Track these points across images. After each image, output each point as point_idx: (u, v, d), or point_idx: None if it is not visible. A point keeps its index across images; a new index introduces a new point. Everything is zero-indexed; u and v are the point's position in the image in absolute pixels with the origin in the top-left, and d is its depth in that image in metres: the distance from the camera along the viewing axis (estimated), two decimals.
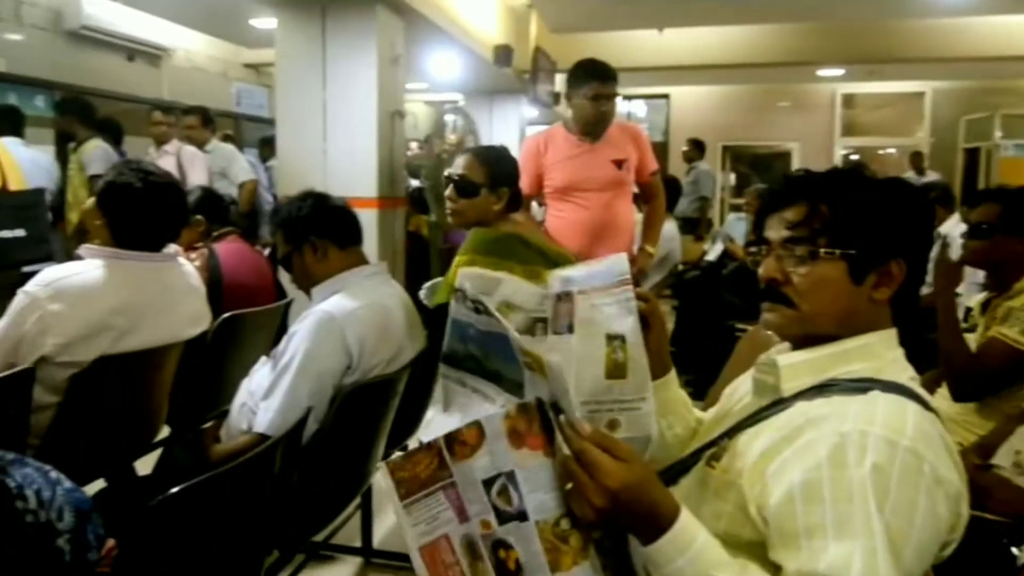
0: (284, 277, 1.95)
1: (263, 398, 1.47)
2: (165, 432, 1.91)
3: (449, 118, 4.96)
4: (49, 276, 1.48)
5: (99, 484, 1.62)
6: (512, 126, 6.97)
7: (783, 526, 0.70)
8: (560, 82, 7.62)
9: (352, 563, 2.02)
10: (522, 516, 0.68)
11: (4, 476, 0.67)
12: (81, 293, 1.49)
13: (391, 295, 1.69)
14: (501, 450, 0.68)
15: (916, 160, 7.59)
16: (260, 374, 1.58)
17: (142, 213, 1.60)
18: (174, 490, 0.88)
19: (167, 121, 4.11)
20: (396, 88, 3.96)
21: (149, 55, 6.30)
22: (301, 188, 1.73)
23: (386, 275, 1.73)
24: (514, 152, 6.55)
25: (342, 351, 1.49)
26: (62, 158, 4.02)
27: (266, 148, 5.46)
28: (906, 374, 0.82)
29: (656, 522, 0.68)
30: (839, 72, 8.50)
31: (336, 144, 3.75)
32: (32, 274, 2.55)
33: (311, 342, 1.46)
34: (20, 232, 2.78)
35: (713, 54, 7.15)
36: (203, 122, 4.26)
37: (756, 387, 0.88)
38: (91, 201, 1.65)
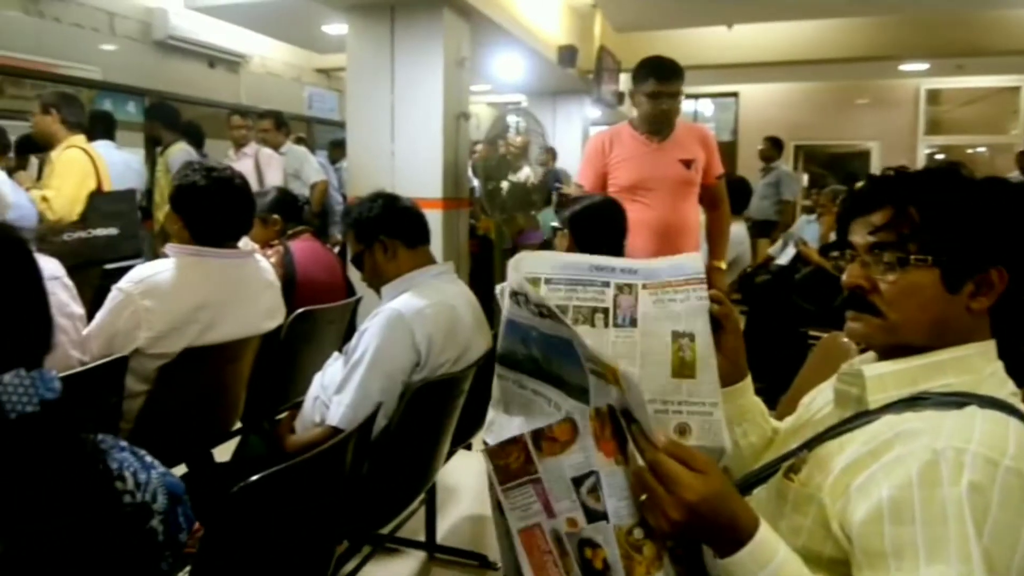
0: (354, 275, 2.01)
1: (335, 392, 1.52)
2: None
3: (511, 119, 4.97)
4: (141, 274, 1.58)
5: (180, 469, 1.71)
6: (575, 127, 6.94)
7: (869, 545, 0.67)
8: (625, 81, 7.53)
9: (416, 557, 2.06)
10: (607, 516, 0.67)
11: (106, 459, 0.71)
12: (169, 289, 1.58)
13: (458, 294, 1.71)
14: (589, 448, 0.67)
15: (1023, 159, 7.00)
16: (332, 369, 1.63)
17: (212, 207, 1.68)
18: (255, 477, 0.92)
19: (245, 124, 4.30)
20: (461, 90, 4.01)
21: (228, 62, 6.63)
22: (371, 189, 1.77)
23: (453, 274, 1.75)
24: (578, 152, 6.50)
25: (411, 348, 1.52)
26: (151, 160, 4.27)
27: (335, 150, 5.64)
28: (1006, 388, 0.76)
29: (735, 535, 0.66)
30: (923, 67, 8.04)
31: (403, 146, 3.83)
32: (114, 271, 2.76)
33: (381, 339, 1.50)
34: (113, 230, 2.98)
35: (785, 50, 6.90)
36: (276, 126, 4.43)
37: (838, 398, 0.84)
38: (168, 207, 1.74)
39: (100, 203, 2.99)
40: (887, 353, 0.81)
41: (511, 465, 0.70)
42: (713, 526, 0.65)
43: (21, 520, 0.59)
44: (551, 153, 5.99)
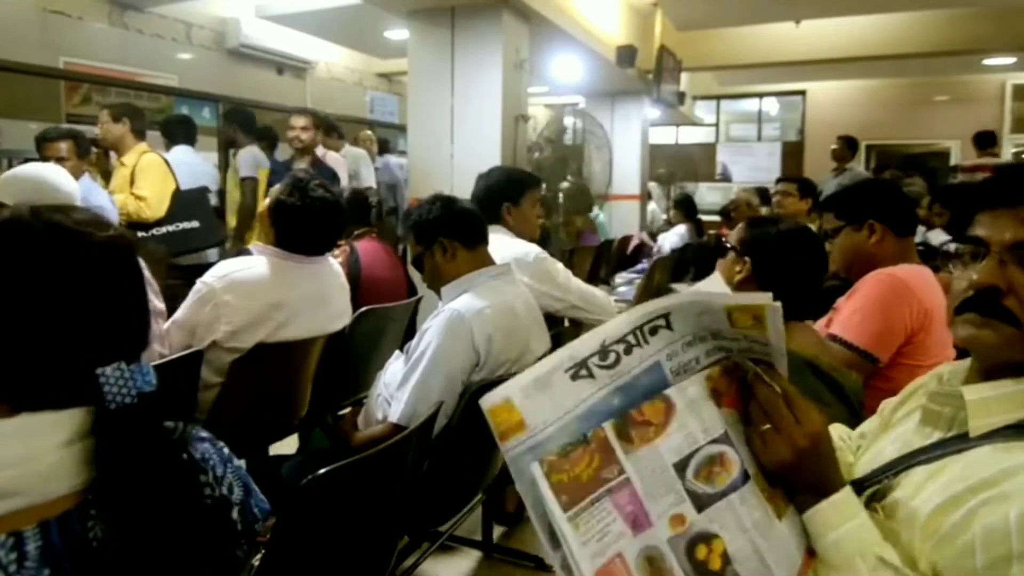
0: (417, 275, 2.04)
1: (396, 389, 1.55)
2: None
3: (568, 120, 4.94)
4: (224, 269, 1.66)
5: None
6: (634, 127, 6.85)
7: None
8: (685, 81, 7.37)
9: (472, 556, 2.07)
10: (739, 481, 0.62)
11: (191, 451, 0.73)
12: (249, 286, 1.66)
13: (516, 296, 1.71)
14: (706, 415, 0.62)
15: None
16: (394, 367, 1.66)
17: (303, 228, 1.75)
18: (323, 471, 0.95)
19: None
20: (520, 92, 4.02)
21: (296, 68, 6.87)
22: (431, 190, 1.82)
23: (511, 275, 1.75)
24: (637, 153, 6.39)
25: (470, 348, 1.53)
26: (224, 163, 4.47)
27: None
28: None
29: (827, 484, 0.66)
30: (1010, 60, 7.55)
31: (462, 148, 3.87)
32: (184, 267, 2.91)
33: (441, 339, 1.52)
34: (195, 223, 3.21)
35: (857, 45, 6.60)
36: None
37: (926, 416, 0.75)
38: (267, 204, 1.81)
39: (181, 200, 3.22)
40: (996, 370, 0.71)
41: (580, 476, 0.56)
42: (816, 467, 0.66)
43: (118, 507, 0.62)
44: None
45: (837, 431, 0.99)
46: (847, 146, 5.55)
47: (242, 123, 4.21)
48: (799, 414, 0.65)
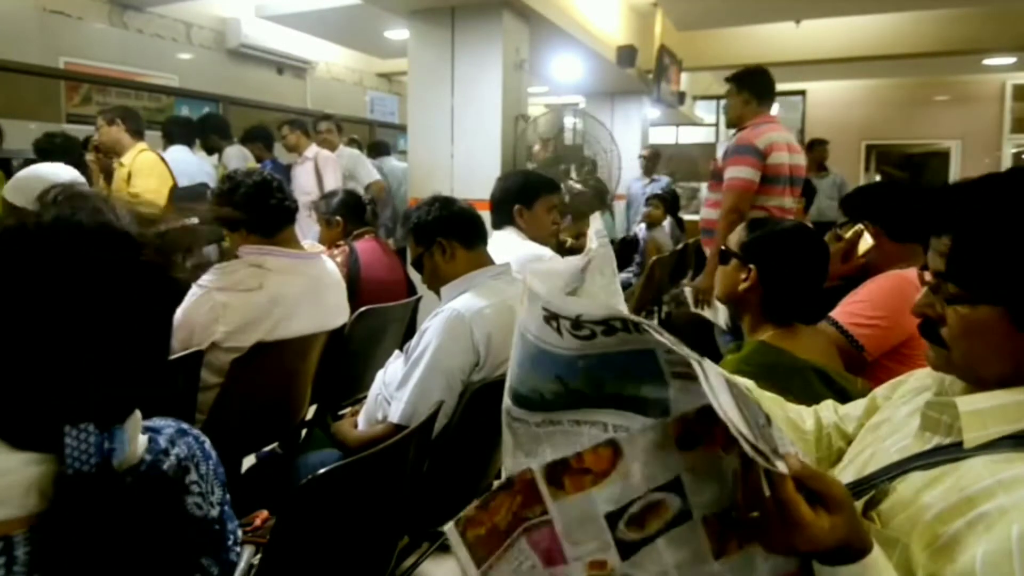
0: (416, 275, 2.05)
1: (396, 389, 1.55)
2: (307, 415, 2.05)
3: (568, 121, 4.93)
4: (218, 271, 1.67)
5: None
6: (634, 127, 6.85)
7: None
8: (686, 81, 7.37)
9: None
10: (672, 524, 0.58)
11: (186, 475, 0.72)
12: (244, 285, 1.66)
13: (516, 295, 1.71)
14: (657, 462, 0.56)
15: None
16: (394, 367, 1.66)
17: (251, 201, 1.76)
18: (323, 470, 0.95)
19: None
20: (520, 93, 4.03)
21: (296, 68, 6.88)
22: (431, 191, 1.82)
23: (511, 275, 1.75)
24: (636, 153, 6.34)
25: (470, 348, 1.53)
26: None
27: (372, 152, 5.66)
28: None
29: (846, 555, 0.59)
30: (1010, 60, 7.55)
31: (462, 148, 3.87)
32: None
33: (441, 338, 1.52)
34: (194, 220, 3.17)
35: (857, 46, 6.61)
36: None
37: (925, 423, 0.75)
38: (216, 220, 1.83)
39: (179, 198, 3.23)
40: (985, 380, 0.71)
41: (499, 524, 0.56)
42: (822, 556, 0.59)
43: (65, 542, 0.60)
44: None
45: (825, 411, 1.02)
46: (826, 148, 5.76)
47: (217, 129, 4.27)
48: (792, 527, 0.55)
